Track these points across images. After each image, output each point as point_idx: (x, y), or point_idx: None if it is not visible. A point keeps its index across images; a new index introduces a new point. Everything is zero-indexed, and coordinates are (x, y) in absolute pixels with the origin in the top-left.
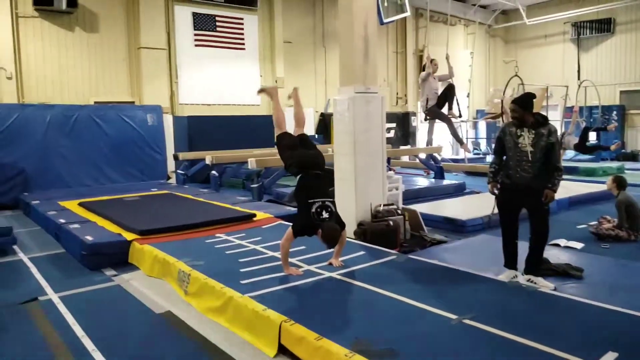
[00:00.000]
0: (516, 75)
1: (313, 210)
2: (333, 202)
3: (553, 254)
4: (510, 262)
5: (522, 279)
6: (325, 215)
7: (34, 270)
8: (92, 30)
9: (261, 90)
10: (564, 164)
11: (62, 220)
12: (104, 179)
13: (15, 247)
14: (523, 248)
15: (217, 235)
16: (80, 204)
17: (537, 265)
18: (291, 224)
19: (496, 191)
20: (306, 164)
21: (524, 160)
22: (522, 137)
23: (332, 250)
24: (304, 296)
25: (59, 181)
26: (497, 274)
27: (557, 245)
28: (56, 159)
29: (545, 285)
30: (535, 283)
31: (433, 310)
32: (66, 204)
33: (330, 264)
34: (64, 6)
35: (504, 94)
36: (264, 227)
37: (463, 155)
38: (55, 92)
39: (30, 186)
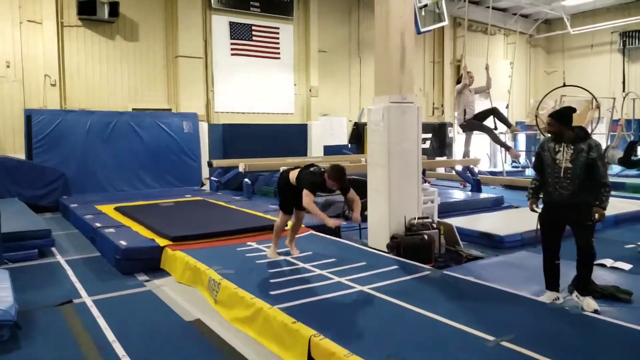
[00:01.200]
0: (567, 85)
1: (309, 170)
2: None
3: (599, 275)
4: (552, 283)
5: (573, 295)
6: (320, 169)
7: (69, 272)
8: (132, 39)
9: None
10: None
11: (98, 224)
12: (140, 184)
13: (53, 249)
14: (566, 267)
15: (248, 243)
16: (116, 209)
17: (585, 285)
18: (322, 233)
19: (536, 209)
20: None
21: (562, 177)
22: (560, 153)
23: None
24: (334, 310)
25: (97, 185)
26: (537, 293)
27: (603, 265)
28: (95, 163)
29: (588, 304)
30: (580, 300)
31: (469, 330)
32: (103, 208)
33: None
34: (106, 15)
35: (538, 109)
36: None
37: (506, 162)
38: (96, 99)
39: (70, 190)
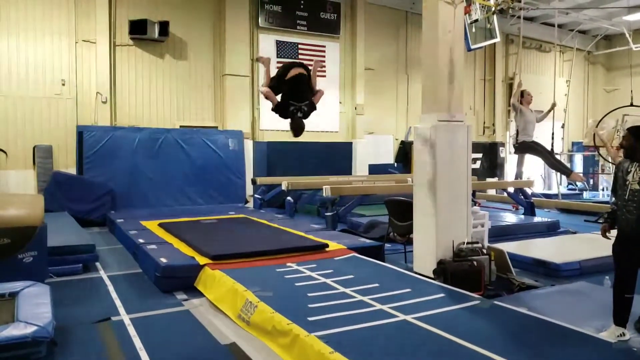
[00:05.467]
0: (635, 105)
1: (290, 109)
2: (307, 105)
3: None
4: (619, 317)
5: None
6: (299, 114)
7: (110, 288)
8: (180, 58)
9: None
10: None
11: (141, 240)
12: (185, 200)
13: (97, 263)
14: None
15: (288, 264)
16: (159, 225)
17: None
18: (357, 251)
19: (609, 235)
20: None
21: (630, 199)
22: (631, 174)
23: None
24: (374, 340)
25: (143, 201)
26: (599, 330)
27: None
28: (142, 179)
29: None
30: None
31: None
32: (147, 224)
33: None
34: (156, 35)
35: (597, 128)
36: (336, 258)
37: (561, 184)
38: (145, 116)
39: (117, 204)
